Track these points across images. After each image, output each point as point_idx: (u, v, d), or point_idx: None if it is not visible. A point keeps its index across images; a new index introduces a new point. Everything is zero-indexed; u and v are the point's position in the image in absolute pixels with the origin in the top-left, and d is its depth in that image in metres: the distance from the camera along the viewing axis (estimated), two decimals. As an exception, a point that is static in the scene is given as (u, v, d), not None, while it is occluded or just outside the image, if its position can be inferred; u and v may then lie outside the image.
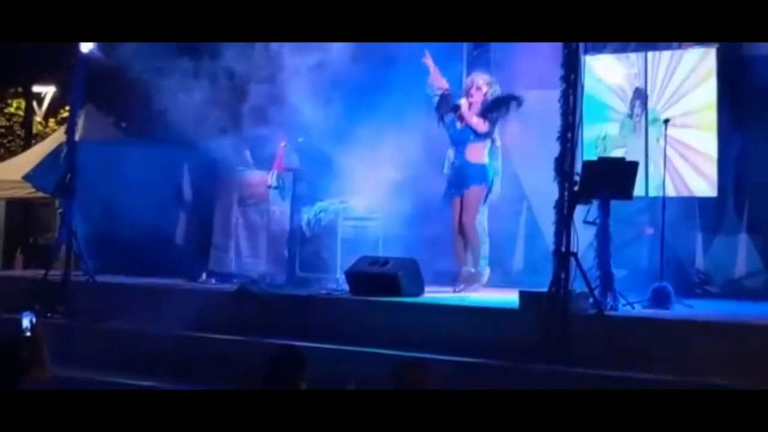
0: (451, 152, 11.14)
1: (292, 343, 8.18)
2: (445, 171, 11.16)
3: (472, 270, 10.74)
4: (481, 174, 10.74)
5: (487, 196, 10.84)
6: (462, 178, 10.78)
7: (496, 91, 10.81)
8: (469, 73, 11.75)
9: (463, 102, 10.81)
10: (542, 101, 10.43)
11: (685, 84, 11.32)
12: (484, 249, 10.99)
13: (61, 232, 12.31)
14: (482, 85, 10.80)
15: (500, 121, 10.96)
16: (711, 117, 11.14)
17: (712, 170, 11.13)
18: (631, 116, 11.73)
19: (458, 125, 10.86)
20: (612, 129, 11.73)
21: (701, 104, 11.20)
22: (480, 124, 10.68)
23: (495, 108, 10.70)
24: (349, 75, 11.54)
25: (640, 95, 11.64)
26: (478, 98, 10.78)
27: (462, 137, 10.82)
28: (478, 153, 10.75)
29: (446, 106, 10.95)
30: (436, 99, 11.01)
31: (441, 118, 11.02)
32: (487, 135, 10.77)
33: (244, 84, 12.36)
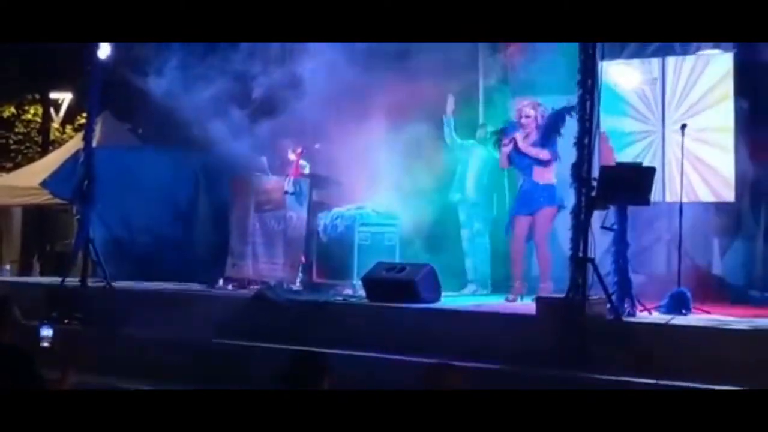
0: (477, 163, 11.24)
1: (309, 349, 8.19)
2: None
3: (542, 285, 10.62)
4: (551, 195, 10.61)
5: (556, 215, 10.71)
6: (532, 199, 10.64)
7: (546, 110, 10.66)
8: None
9: (518, 136, 10.63)
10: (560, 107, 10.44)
11: (702, 87, 11.28)
12: None
13: (79, 238, 12.34)
14: (530, 111, 10.66)
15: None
16: (728, 120, 11.10)
17: (729, 175, 11.09)
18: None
19: (517, 152, 10.72)
20: (625, 125, 11.67)
21: (718, 107, 11.16)
22: (542, 154, 10.55)
23: (552, 129, 10.53)
24: (364, 78, 11.51)
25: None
26: (531, 126, 10.65)
27: (526, 162, 10.69)
28: (546, 174, 10.62)
29: (498, 141, 10.92)
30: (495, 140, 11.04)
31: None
32: (552, 158, 10.61)
33: (259, 90, 12.36)
